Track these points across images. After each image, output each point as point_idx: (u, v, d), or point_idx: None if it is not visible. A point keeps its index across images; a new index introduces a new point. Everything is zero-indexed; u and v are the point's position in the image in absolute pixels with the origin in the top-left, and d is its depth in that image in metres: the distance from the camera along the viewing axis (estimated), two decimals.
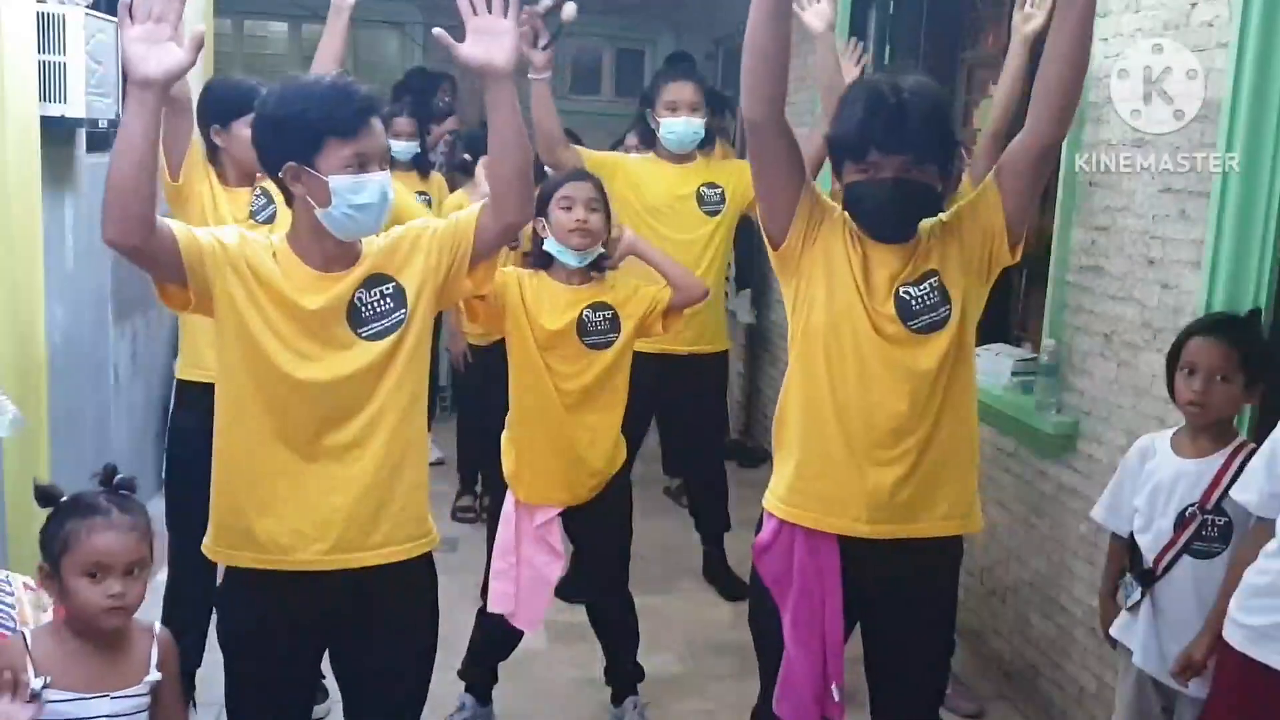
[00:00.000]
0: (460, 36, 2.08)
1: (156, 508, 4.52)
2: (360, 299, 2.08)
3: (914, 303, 2.23)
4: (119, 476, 2.00)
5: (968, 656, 3.83)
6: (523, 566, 2.98)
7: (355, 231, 2.06)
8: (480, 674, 3.26)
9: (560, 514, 3.03)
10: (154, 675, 1.98)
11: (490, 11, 2.06)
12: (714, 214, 4.02)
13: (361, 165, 2.01)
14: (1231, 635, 2.15)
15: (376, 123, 2.04)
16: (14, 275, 3.07)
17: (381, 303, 2.09)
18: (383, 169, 2.05)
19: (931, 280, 2.24)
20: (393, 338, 2.08)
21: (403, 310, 2.10)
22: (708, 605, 4.21)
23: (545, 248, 2.94)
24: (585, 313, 2.92)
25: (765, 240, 2.33)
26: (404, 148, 5.09)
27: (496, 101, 2.08)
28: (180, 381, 3.19)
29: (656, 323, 3.04)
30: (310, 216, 2.05)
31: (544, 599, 3.03)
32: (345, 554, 2.09)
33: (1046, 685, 3.44)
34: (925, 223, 2.29)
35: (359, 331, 2.07)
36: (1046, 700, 3.44)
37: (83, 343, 3.95)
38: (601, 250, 2.97)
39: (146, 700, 1.97)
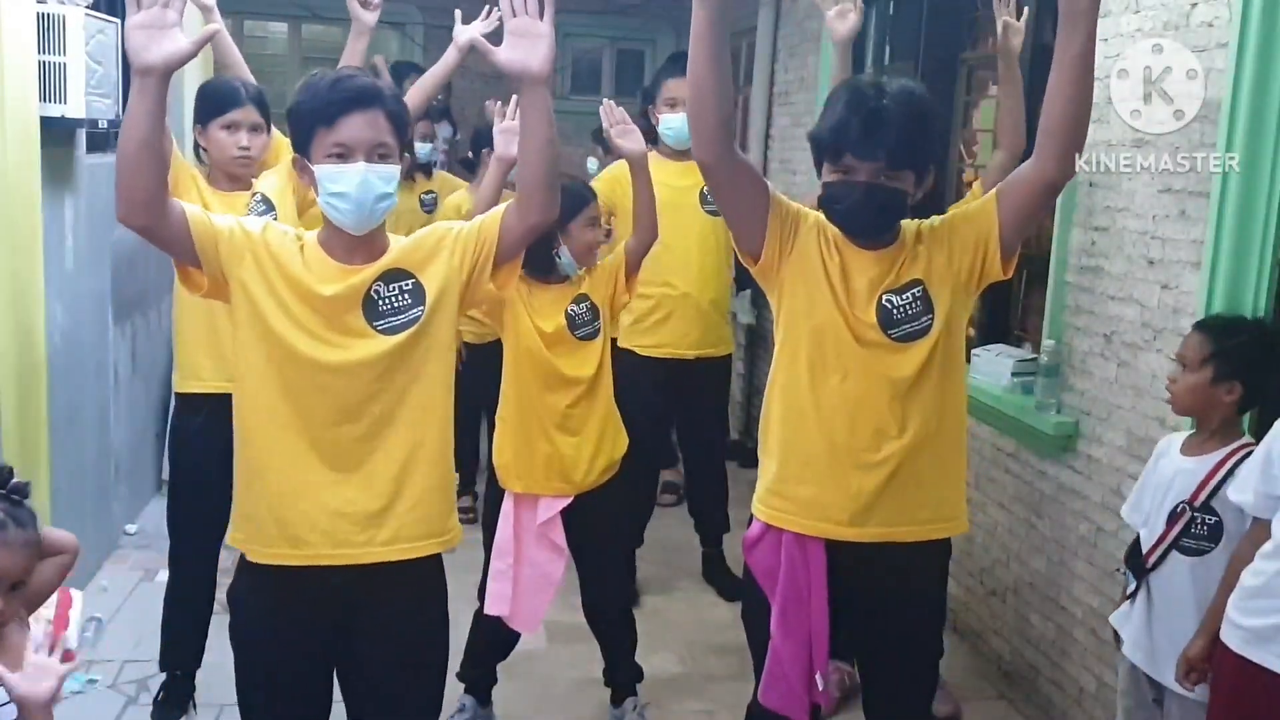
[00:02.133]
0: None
1: (157, 507, 4.54)
2: (377, 292, 2.09)
3: (895, 312, 2.22)
4: (14, 481, 1.93)
5: (967, 656, 3.83)
6: (524, 565, 2.98)
7: (342, 221, 2.05)
8: (479, 674, 3.25)
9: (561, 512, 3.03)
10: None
11: (528, 12, 2.06)
12: (716, 214, 4.00)
13: (342, 155, 2.01)
14: (1229, 637, 2.15)
15: (367, 115, 2.01)
16: (14, 275, 3.07)
17: (399, 298, 2.09)
18: (373, 161, 2.02)
19: (915, 290, 2.23)
20: (408, 333, 2.09)
21: (420, 307, 2.10)
22: (708, 605, 4.21)
23: (560, 260, 2.96)
24: (570, 308, 2.97)
25: (741, 258, 2.33)
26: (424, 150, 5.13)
27: (530, 105, 2.09)
28: (179, 395, 3.20)
29: (623, 292, 3.08)
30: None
31: (546, 598, 3.02)
32: (354, 549, 2.09)
33: (1046, 685, 3.44)
34: (909, 226, 2.28)
35: (374, 324, 2.08)
36: (1046, 700, 3.44)
37: (83, 343, 3.95)
38: None
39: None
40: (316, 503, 2.07)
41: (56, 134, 3.49)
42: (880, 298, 2.22)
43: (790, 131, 5.74)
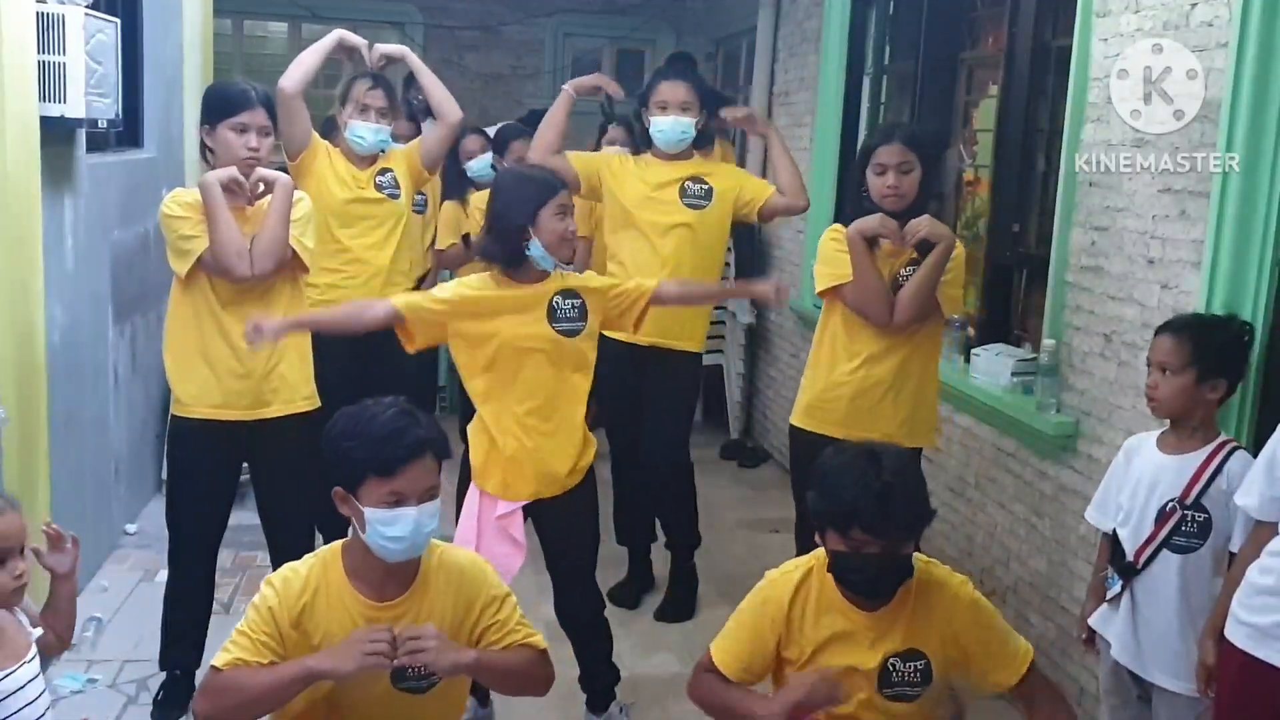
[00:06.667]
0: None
1: (157, 507, 4.54)
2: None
3: None
4: None
5: None
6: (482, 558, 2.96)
7: (388, 557, 2.12)
8: None
9: (527, 508, 3.00)
10: (35, 633, 2.06)
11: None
12: (695, 207, 3.93)
13: (398, 500, 2.08)
14: (1234, 634, 2.16)
15: (423, 463, 2.10)
16: (14, 275, 3.07)
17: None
18: (422, 503, 2.10)
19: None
20: (434, 691, 2.19)
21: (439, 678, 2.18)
22: (707, 605, 4.20)
23: (530, 253, 2.89)
24: (555, 299, 2.93)
25: None
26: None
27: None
28: (174, 415, 3.24)
29: (631, 318, 3.04)
30: (359, 535, 2.15)
31: None
32: None
33: None
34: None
35: (399, 685, 2.15)
36: None
37: (83, 343, 3.95)
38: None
39: (37, 666, 2.03)
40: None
41: (56, 134, 3.49)
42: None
43: (790, 131, 5.74)
